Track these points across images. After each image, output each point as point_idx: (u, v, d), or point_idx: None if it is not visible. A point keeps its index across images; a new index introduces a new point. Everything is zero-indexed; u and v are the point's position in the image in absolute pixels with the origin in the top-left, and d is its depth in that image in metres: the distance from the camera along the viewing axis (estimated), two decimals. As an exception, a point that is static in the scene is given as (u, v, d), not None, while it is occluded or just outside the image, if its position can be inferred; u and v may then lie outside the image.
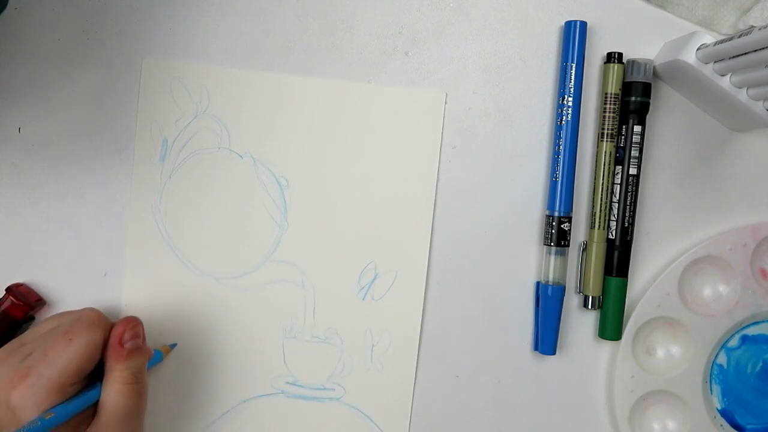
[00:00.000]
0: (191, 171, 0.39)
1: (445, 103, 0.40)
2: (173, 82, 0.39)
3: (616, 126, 0.40)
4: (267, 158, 0.40)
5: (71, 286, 0.39)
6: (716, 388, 0.42)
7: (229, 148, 0.39)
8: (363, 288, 0.40)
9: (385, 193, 0.40)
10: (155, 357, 0.37)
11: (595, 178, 0.40)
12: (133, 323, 0.34)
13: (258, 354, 0.40)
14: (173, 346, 0.39)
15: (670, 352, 0.42)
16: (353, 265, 0.40)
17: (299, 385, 0.40)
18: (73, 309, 0.37)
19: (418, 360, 0.41)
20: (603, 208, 0.40)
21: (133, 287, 0.39)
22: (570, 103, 0.39)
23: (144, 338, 0.34)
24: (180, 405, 0.40)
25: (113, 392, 0.32)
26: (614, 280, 0.40)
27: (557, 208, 0.39)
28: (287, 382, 0.40)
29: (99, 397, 0.33)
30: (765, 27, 0.32)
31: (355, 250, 0.40)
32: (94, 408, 0.33)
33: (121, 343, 0.33)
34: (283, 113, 0.39)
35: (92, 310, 0.34)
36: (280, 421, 0.40)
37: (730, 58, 0.35)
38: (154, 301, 0.39)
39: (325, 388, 0.40)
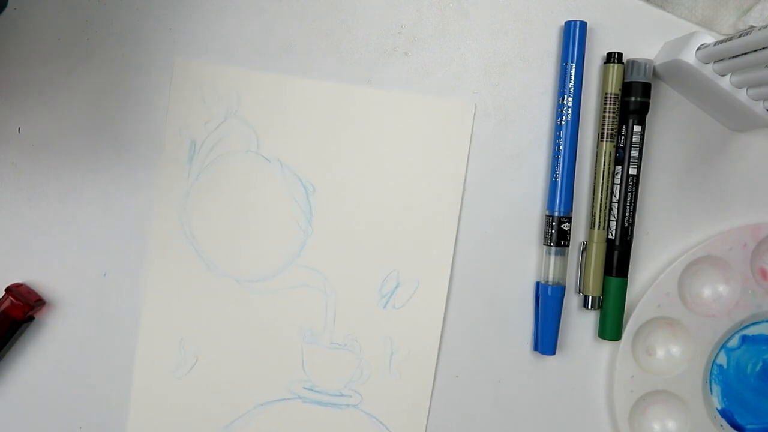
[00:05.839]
0: (218, 173, 0.39)
1: (474, 114, 0.40)
2: (204, 83, 0.39)
3: (616, 126, 0.40)
4: (294, 163, 0.39)
5: (71, 286, 0.39)
6: (716, 388, 0.42)
7: (257, 151, 0.39)
8: (384, 296, 0.40)
9: (411, 203, 0.40)
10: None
11: (595, 178, 0.40)
12: None
13: (276, 358, 0.40)
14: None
15: (670, 352, 0.42)
16: (376, 272, 0.40)
17: (317, 391, 0.40)
18: (73, 309, 0.37)
19: (436, 369, 0.41)
20: (603, 208, 0.40)
21: (156, 287, 0.39)
22: (570, 103, 0.39)
23: None
24: (196, 407, 0.40)
25: None
26: (614, 280, 0.40)
27: (557, 208, 0.39)
28: (305, 387, 0.40)
29: None
30: (765, 27, 0.32)
31: (378, 257, 0.40)
32: None
33: None
34: (312, 119, 0.39)
35: None
36: (295, 427, 0.40)
37: (730, 58, 0.35)
38: (175, 301, 0.39)
39: (342, 395, 0.40)
